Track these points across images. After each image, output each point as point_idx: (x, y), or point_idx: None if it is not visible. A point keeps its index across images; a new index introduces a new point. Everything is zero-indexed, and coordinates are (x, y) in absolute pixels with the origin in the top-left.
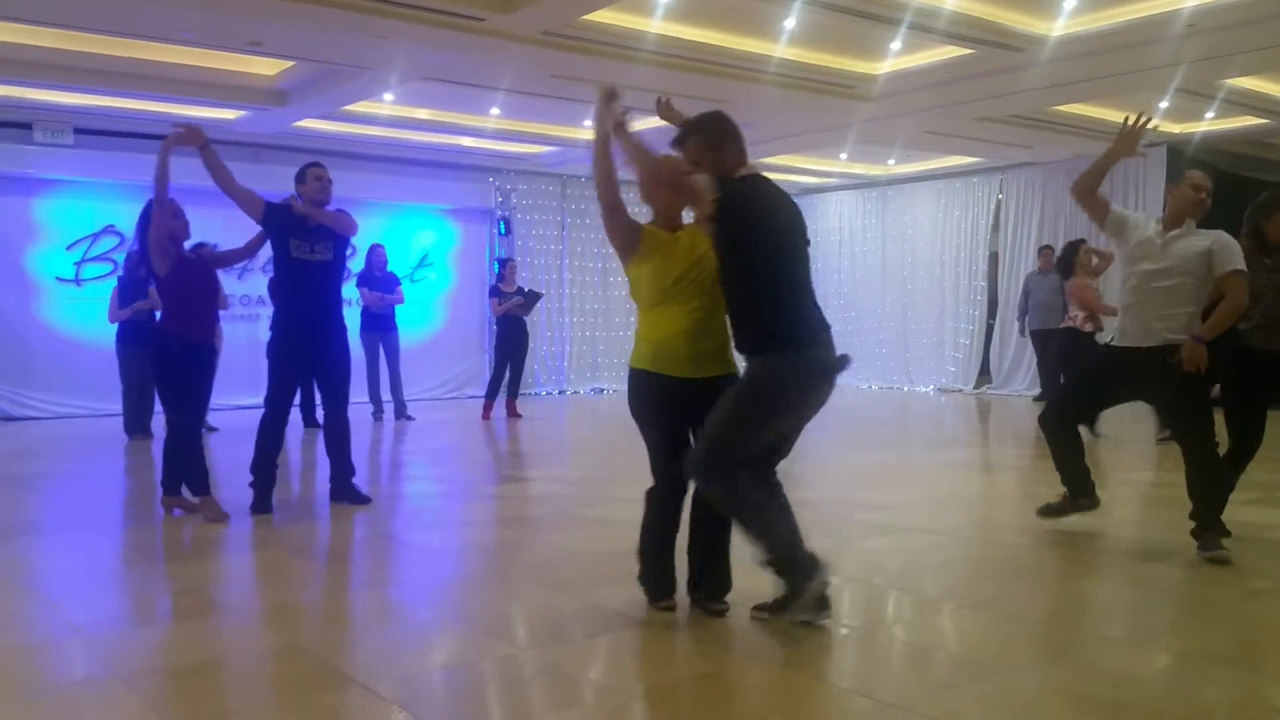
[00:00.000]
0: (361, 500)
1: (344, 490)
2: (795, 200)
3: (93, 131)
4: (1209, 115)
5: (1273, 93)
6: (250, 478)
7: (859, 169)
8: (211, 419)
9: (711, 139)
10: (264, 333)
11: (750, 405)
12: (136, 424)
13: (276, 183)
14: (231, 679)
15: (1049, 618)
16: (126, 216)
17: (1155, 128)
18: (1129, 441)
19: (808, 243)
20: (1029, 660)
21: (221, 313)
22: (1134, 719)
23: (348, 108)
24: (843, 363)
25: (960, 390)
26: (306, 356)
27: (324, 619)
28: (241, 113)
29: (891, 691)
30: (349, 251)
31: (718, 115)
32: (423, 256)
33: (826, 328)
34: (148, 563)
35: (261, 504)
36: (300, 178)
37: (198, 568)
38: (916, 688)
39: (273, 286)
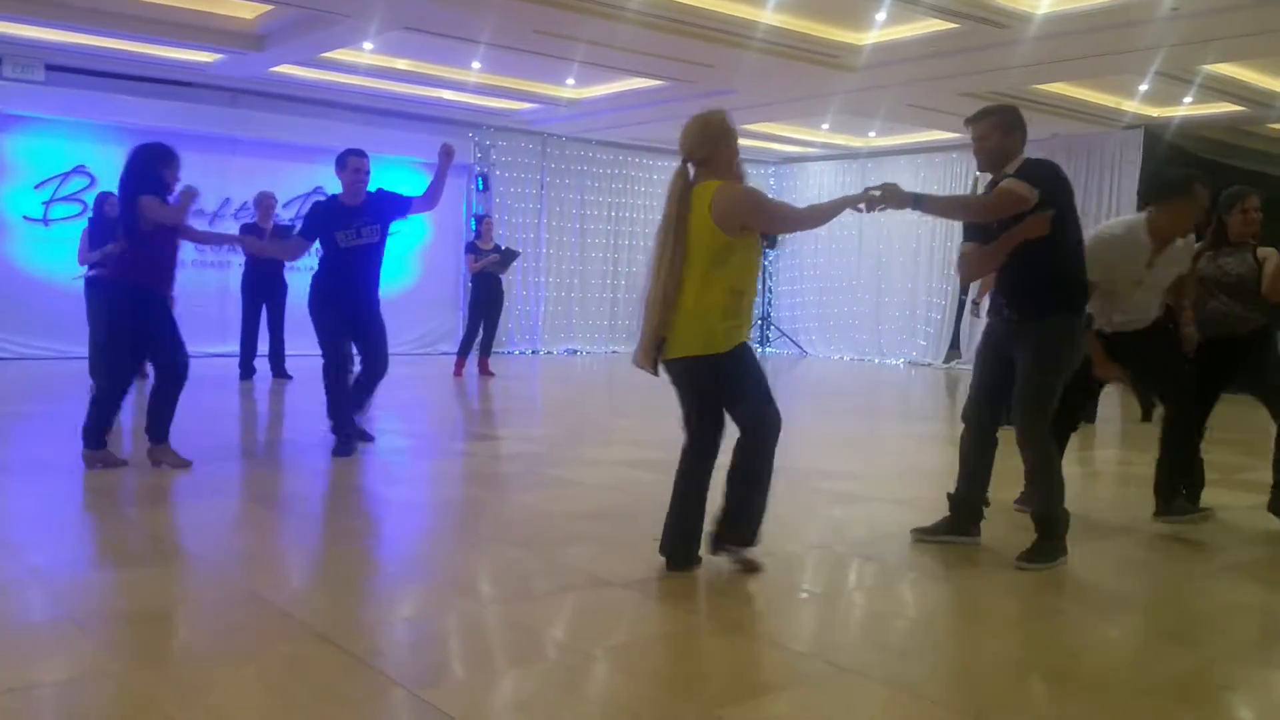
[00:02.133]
0: (368, 438)
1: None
2: (775, 169)
3: (65, 69)
4: (1187, 100)
5: (1249, 80)
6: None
7: (840, 140)
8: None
9: (1009, 122)
10: (233, 280)
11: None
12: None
13: (252, 128)
14: (190, 626)
15: (1006, 589)
16: (97, 157)
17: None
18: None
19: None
20: (984, 630)
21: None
22: (1081, 690)
23: (326, 55)
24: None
25: (930, 364)
26: (345, 315)
27: (286, 569)
28: (218, 56)
29: (849, 657)
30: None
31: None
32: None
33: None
34: (110, 507)
35: (343, 447)
36: (341, 163)
37: (161, 513)
38: (873, 654)
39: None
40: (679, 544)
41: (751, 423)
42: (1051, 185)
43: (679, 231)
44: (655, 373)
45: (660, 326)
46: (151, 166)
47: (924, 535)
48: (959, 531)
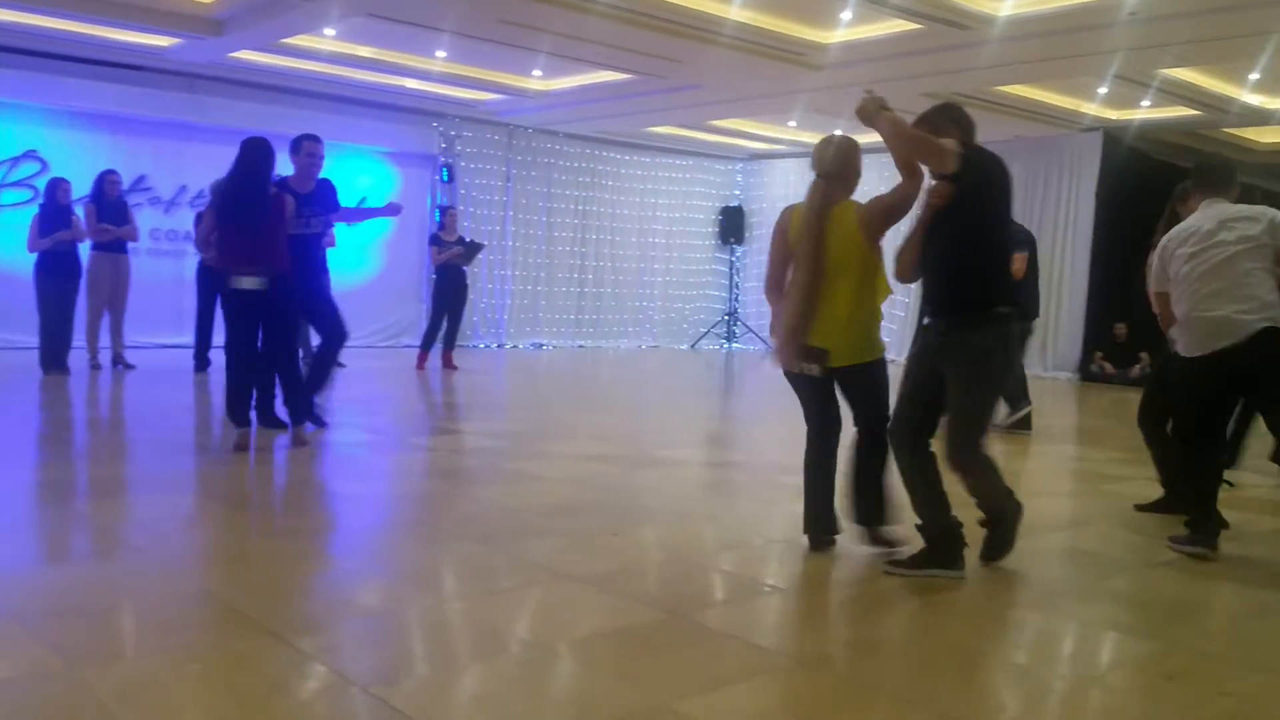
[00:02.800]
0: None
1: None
2: (743, 165)
3: (15, 50)
4: (1145, 103)
5: (1205, 85)
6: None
7: (807, 137)
8: (129, 356)
9: (935, 121)
10: (188, 270)
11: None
12: (52, 359)
13: (210, 115)
14: (139, 623)
15: (968, 585)
16: (48, 142)
17: None
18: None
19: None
20: (939, 622)
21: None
22: (1026, 679)
23: (287, 41)
24: None
25: (894, 360)
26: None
27: (239, 564)
28: (176, 40)
29: (810, 650)
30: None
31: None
32: (360, 200)
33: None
34: (59, 501)
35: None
36: (295, 147)
37: (111, 508)
38: (834, 648)
39: None
40: (816, 526)
41: (879, 424)
42: (980, 165)
43: (820, 244)
44: (820, 373)
45: (803, 334)
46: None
47: (899, 569)
48: (940, 565)
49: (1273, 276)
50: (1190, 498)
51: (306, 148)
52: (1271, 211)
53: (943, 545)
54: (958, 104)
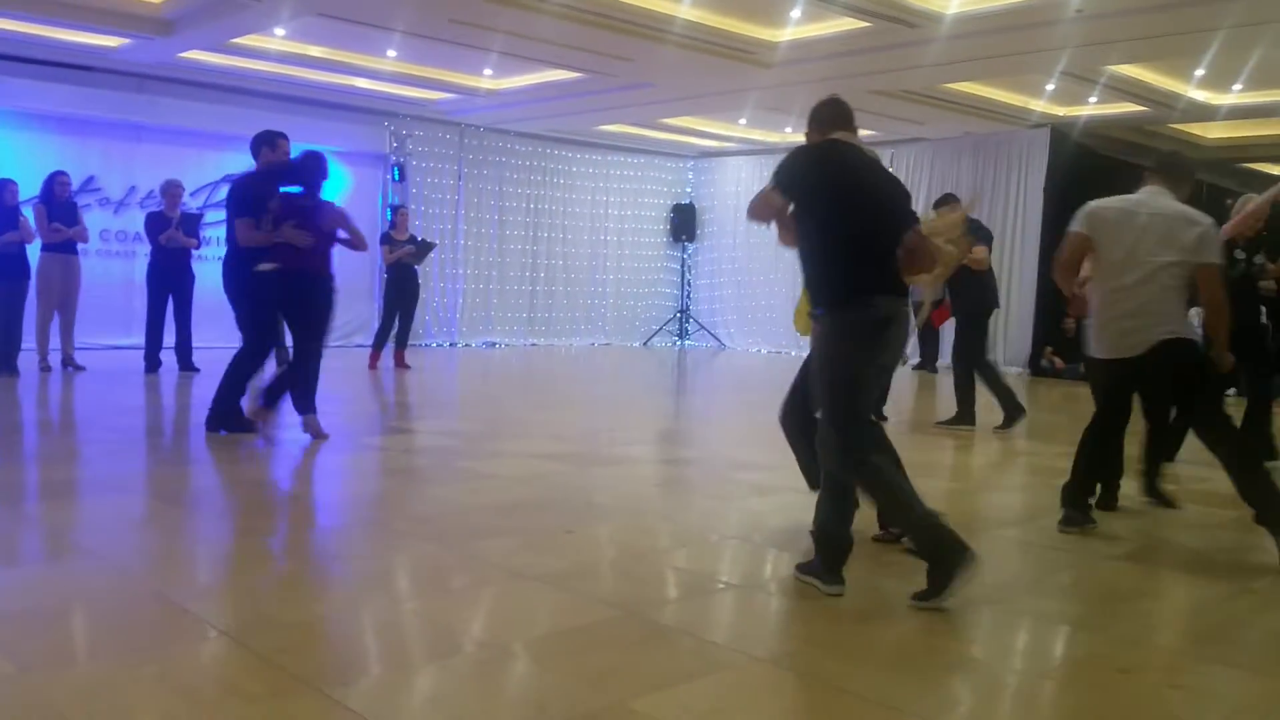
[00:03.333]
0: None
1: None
2: (694, 163)
3: None
4: (1092, 100)
5: (1151, 81)
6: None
7: (757, 135)
8: (79, 358)
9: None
10: (138, 271)
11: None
12: (2, 361)
13: (160, 115)
14: (91, 625)
15: (916, 577)
16: None
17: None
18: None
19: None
20: (892, 616)
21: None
22: (980, 674)
23: (237, 41)
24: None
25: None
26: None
27: (191, 566)
28: (124, 40)
29: (765, 647)
30: None
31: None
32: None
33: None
34: (8, 503)
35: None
36: (271, 143)
37: (61, 509)
38: (789, 644)
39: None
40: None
41: None
42: (789, 168)
43: None
44: None
45: None
46: None
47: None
48: (814, 573)
49: (1185, 293)
50: (1073, 480)
51: (282, 145)
52: (1207, 222)
53: (824, 553)
54: (832, 100)
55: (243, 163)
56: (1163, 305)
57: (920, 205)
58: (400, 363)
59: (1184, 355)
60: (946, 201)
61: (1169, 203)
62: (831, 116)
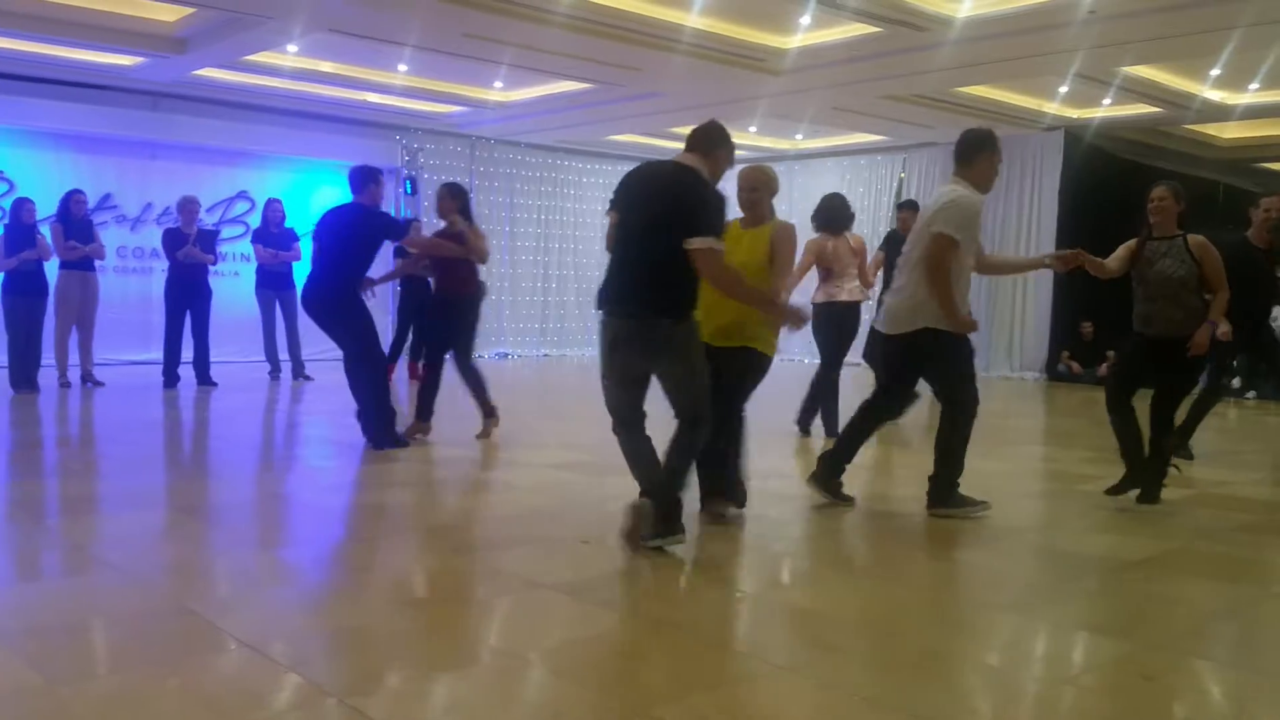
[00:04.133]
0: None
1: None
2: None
3: None
4: (1106, 102)
5: (1165, 81)
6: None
7: (768, 142)
8: (98, 373)
9: None
10: (156, 287)
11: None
12: (22, 377)
13: (175, 132)
14: (116, 638)
15: (938, 585)
16: (14, 162)
17: None
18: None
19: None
20: (916, 625)
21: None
22: (1009, 683)
23: (249, 58)
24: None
25: (859, 364)
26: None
27: (213, 579)
28: (139, 59)
29: (783, 655)
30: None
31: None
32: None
33: (607, 299)
34: (31, 519)
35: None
36: (377, 180)
37: (84, 524)
38: (800, 649)
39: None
40: None
41: None
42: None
43: None
44: None
45: None
46: None
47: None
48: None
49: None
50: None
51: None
52: (949, 194)
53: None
54: (709, 127)
55: (256, 179)
56: None
57: None
58: (415, 374)
59: None
60: (910, 206)
61: (944, 187)
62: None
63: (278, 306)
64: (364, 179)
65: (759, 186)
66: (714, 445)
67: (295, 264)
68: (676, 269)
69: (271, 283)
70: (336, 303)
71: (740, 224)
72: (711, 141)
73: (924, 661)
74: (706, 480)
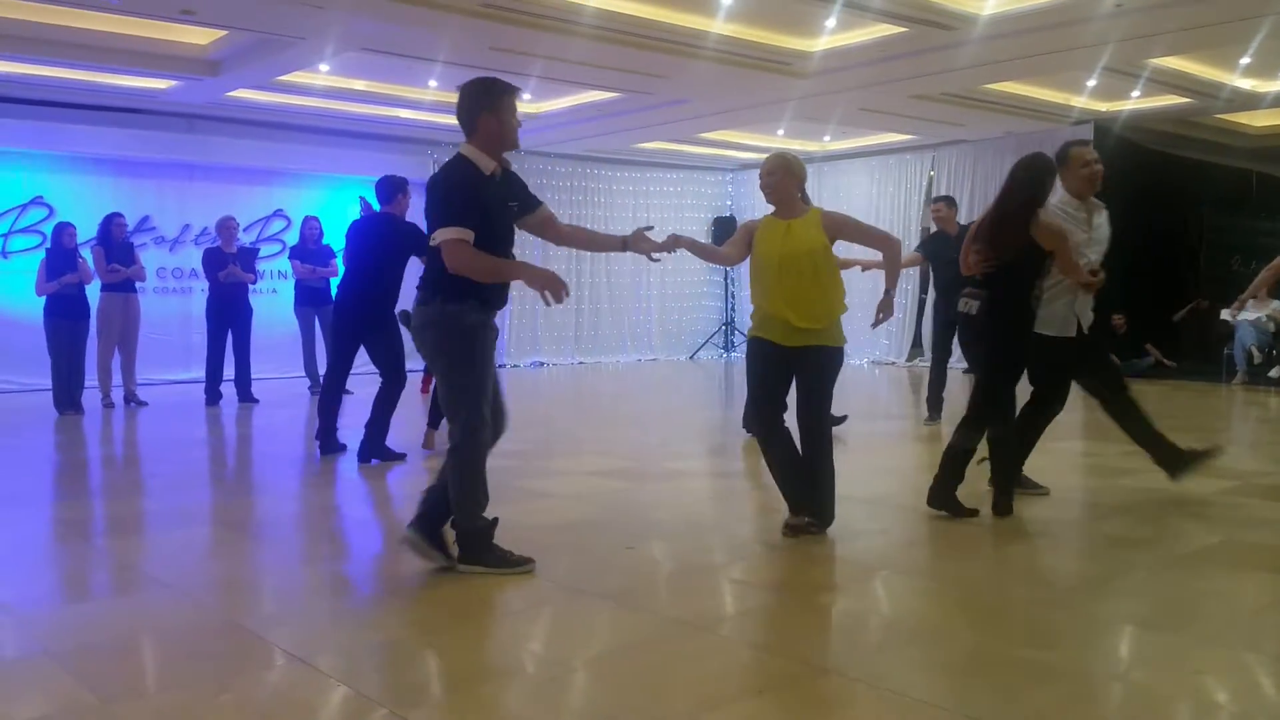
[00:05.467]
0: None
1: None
2: (733, 176)
3: (19, 100)
4: (1135, 94)
5: (1194, 72)
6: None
7: (796, 145)
8: (141, 393)
9: None
10: (196, 306)
11: None
12: (66, 399)
13: (211, 153)
14: (167, 655)
15: (978, 583)
16: (55, 187)
17: None
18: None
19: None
20: (958, 624)
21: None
22: (1061, 681)
23: (282, 78)
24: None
25: (893, 363)
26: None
27: (260, 594)
28: (173, 83)
29: (823, 655)
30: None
31: None
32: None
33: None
34: (80, 538)
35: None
36: (404, 190)
37: (132, 542)
38: (848, 652)
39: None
40: None
41: None
42: None
43: None
44: None
45: None
46: None
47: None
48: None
49: None
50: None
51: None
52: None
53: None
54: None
55: (291, 197)
56: None
57: (964, 206)
58: (426, 388)
59: None
60: (945, 201)
61: None
62: None
63: (316, 322)
64: (392, 189)
65: (775, 170)
66: (800, 456)
67: (333, 279)
68: None
69: (310, 299)
70: (375, 315)
71: (775, 215)
72: None
73: (967, 660)
74: (792, 493)
